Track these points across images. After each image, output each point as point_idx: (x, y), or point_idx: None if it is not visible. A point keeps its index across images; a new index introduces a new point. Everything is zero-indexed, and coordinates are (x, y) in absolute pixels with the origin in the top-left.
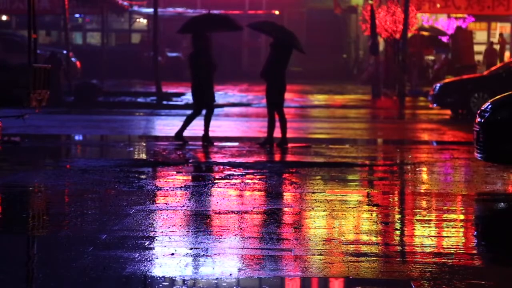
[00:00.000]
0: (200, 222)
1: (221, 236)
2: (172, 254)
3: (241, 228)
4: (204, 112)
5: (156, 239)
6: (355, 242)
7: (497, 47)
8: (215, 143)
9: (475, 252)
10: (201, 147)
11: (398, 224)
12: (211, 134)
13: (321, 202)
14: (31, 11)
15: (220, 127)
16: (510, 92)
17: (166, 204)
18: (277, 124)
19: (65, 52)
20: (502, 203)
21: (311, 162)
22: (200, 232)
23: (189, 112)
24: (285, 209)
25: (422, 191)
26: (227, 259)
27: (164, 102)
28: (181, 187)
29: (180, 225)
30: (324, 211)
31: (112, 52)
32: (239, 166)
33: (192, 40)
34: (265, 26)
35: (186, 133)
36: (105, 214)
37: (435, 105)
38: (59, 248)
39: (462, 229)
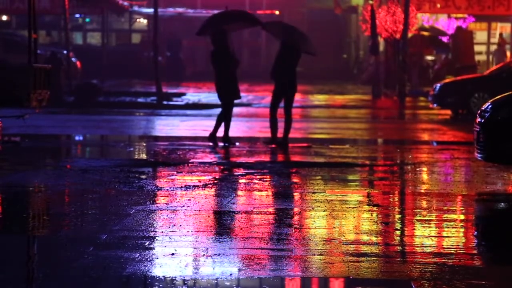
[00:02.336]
0: (200, 222)
1: (221, 236)
2: (172, 254)
3: (241, 228)
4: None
5: (156, 239)
6: (355, 242)
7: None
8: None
9: (475, 252)
10: (202, 147)
11: (398, 224)
12: (210, 133)
13: (321, 202)
14: (31, 11)
15: (221, 127)
16: (510, 92)
17: (166, 204)
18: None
19: (65, 52)
20: (502, 203)
21: (311, 162)
22: (200, 232)
23: (190, 111)
24: (285, 209)
25: (422, 191)
26: (227, 259)
27: (164, 102)
28: (181, 187)
29: (180, 225)
30: (324, 211)
31: (112, 52)
32: (239, 166)
33: (213, 37)
34: (274, 27)
35: (185, 132)
36: (105, 214)
37: (435, 105)
38: (59, 248)
39: (462, 229)
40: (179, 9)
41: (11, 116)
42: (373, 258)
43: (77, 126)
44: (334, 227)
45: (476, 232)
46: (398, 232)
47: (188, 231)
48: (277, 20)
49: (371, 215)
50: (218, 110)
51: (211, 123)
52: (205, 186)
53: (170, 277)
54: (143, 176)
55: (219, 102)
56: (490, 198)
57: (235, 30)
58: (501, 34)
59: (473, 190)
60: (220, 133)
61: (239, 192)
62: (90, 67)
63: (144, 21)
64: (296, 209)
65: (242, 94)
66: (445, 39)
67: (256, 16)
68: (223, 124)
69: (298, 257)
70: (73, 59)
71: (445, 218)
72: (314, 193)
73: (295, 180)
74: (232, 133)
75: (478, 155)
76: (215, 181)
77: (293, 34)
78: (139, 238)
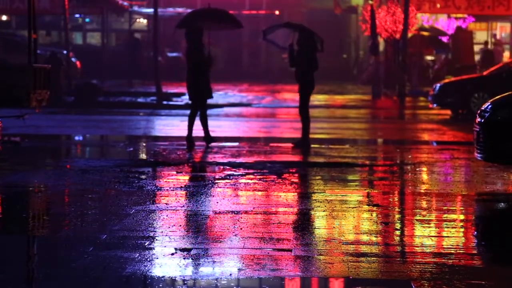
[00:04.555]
0: (200, 222)
1: (221, 236)
2: (172, 254)
3: (241, 228)
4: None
5: (156, 239)
6: (355, 242)
7: (491, 47)
8: (215, 143)
9: (475, 252)
10: (201, 147)
11: (398, 224)
12: (211, 134)
13: (321, 202)
14: (31, 11)
15: (220, 127)
16: (510, 92)
17: (166, 204)
18: (295, 125)
19: (65, 52)
20: (502, 203)
21: (311, 162)
22: (200, 232)
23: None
24: (285, 209)
25: (422, 191)
26: (227, 259)
27: (164, 102)
28: (181, 187)
29: (180, 225)
30: (324, 211)
31: (112, 52)
32: (239, 166)
33: (187, 35)
34: (289, 26)
35: (185, 132)
36: (105, 214)
37: (435, 105)
38: (59, 248)
39: (462, 229)
40: (179, 9)
41: (11, 116)
42: (373, 258)
43: (77, 126)
44: (334, 227)
45: (476, 232)
46: (398, 232)
47: (188, 231)
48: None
49: (371, 215)
50: (217, 110)
51: (211, 123)
52: (204, 186)
53: (170, 277)
54: (143, 176)
55: (218, 102)
56: (490, 198)
57: (215, 29)
58: (495, 35)
59: (473, 190)
60: (215, 133)
61: (239, 192)
62: (90, 67)
63: (144, 21)
64: (296, 209)
65: (242, 94)
66: (445, 39)
67: (237, 17)
68: (207, 122)
69: (298, 257)
70: (73, 59)
71: (445, 218)
72: (314, 193)
73: (295, 180)
74: (232, 133)
75: (478, 155)
76: (215, 181)
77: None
78: (139, 238)
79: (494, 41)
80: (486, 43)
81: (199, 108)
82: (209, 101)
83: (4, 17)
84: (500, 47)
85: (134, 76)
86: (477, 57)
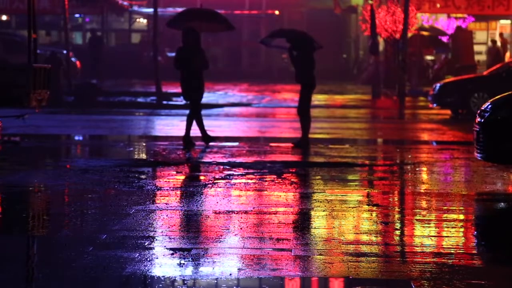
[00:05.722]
0: (200, 222)
1: (221, 236)
2: (172, 254)
3: (241, 228)
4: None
5: (156, 239)
6: (355, 242)
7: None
8: (214, 143)
9: (475, 252)
10: (201, 147)
11: (398, 224)
12: (210, 134)
13: (321, 202)
14: (31, 11)
15: (220, 126)
16: (510, 92)
17: (166, 204)
18: (296, 125)
19: (65, 52)
20: (502, 203)
21: (311, 162)
22: (200, 232)
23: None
24: (285, 209)
25: (422, 191)
26: (227, 259)
27: (164, 102)
28: (181, 187)
29: (180, 225)
30: (324, 211)
31: (112, 52)
32: (239, 166)
33: (184, 35)
34: (284, 34)
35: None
36: (105, 214)
37: (435, 105)
38: (59, 248)
39: (462, 229)
40: (178, 9)
41: (11, 116)
42: (373, 258)
43: (76, 126)
44: (334, 227)
45: (476, 232)
46: (398, 232)
47: (188, 231)
48: (279, 29)
49: (371, 215)
50: (217, 110)
51: (211, 123)
52: (204, 186)
53: (170, 277)
54: (143, 176)
55: (218, 102)
56: (490, 198)
57: (207, 30)
58: (501, 34)
59: (473, 190)
60: (215, 133)
61: (239, 192)
62: (90, 67)
63: (144, 21)
64: (296, 209)
65: (242, 94)
66: (445, 39)
67: (230, 20)
68: (203, 122)
69: (298, 257)
70: (73, 59)
71: (445, 218)
72: (314, 193)
73: (294, 180)
74: (232, 132)
75: (478, 155)
76: (215, 181)
77: (306, 34)
78: (139, 238)
79: (501, 40)
80: (493, 41)
81: (197, 109)
82: (210, 101)
83: (4, 17)
84: (505, 47)
85: (93, 74)
86: (484, 57)
